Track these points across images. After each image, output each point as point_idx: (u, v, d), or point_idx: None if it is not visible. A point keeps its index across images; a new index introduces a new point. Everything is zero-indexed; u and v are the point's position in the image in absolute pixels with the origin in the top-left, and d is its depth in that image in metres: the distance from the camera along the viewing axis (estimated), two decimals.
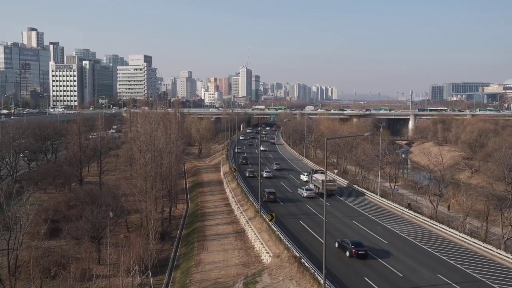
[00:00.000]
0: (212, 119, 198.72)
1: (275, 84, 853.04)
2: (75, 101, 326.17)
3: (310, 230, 54.12)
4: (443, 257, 44.57)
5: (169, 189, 74.10)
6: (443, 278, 38.99)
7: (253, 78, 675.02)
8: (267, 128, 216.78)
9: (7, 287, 44.89)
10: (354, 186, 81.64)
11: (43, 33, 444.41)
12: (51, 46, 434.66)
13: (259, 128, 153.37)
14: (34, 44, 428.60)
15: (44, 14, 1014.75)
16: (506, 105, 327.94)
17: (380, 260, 43.43)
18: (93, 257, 53.07)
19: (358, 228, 55.57)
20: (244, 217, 62.60)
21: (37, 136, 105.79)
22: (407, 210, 63.25)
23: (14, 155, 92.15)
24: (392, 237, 51.64)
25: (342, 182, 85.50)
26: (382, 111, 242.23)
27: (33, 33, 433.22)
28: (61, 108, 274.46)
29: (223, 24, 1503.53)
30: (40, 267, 46.33)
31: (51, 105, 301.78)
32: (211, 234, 61.30)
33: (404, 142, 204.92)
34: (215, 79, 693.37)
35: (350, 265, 42.30)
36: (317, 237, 50.50)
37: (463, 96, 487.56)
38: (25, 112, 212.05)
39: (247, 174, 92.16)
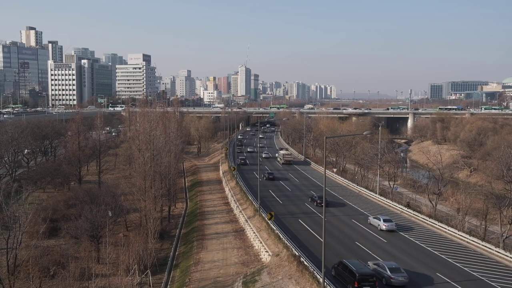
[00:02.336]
0: (211, 118, 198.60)
1: (274, 83, 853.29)
2: (74, 100, 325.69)
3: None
4: (442, 256, 44.64)
5: (168, 188, 74.04)
6: (442, 276, 39.04)
7: (252, 77, 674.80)
8: (266, 126, 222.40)
9: (6, 286, 44.89)
10: (307, 159, 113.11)
11: (41, 32, 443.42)
12: (50, 45, 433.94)
13: (264, 126, 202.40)
14: (32, 43, 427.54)
15: (43, 13, 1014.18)
16: (505, 103, 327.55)
17: (379, 259, 43.45)
18: (92, 256, 53.16)
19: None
20: (243, 216, 62.62)
21: (36, 135, 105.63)
22: (406, 208, 63.32)
23: (13, 154, 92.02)
24: (391, 236, 51.65)
25: (300, 157, 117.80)
26: (401, 110, 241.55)
27: (32, 32, 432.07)
28: (59, 106, 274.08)
29: (222, 23, 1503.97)
30: (39, 266, 46.31)
31: (50, 104, 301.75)
32: (210, 233, 61.30)
33: (403, 140, 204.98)
34: (214, 78, 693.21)
35: None
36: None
37: (462, 94, 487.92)
38: (15, 111, 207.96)
39: (237, 150, 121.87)
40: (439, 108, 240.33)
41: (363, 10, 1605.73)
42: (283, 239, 47.83)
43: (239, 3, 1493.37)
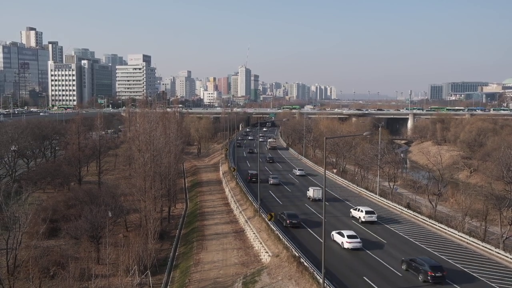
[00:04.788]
0: (211, 118, 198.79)
1: (274, 83, 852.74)
2: (74, 100, 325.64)
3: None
4: (442, 256, 44.59)
5: (168, 189, 74.06)
6: None
7: (252, 78, 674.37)
8: (267, 125, 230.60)
9: (6, 287, 44.86)
10: (288, 146, 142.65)
11: (42, 32, 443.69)
12: (50, 45, 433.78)
13: (272, 125, 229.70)
14: (33, 43, 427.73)
15: (43, 14, 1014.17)
16: (505, 104, 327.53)
17: (379, 259, 43.42)
18: (92, 256, 53.13)
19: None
20: (243, 217, 62.60)
21: (36, 135, 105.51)
22: (406, 209, 63.28)
23: (13, 155, 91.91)
24: (391, 236, 51.65)
25: (284, 144, 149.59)
26: (417, 111, 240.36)
27: (32, 33, 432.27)
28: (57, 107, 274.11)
29: (222, 23, 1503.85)
30: (39, 267, 46.28)
31: (50, 105, 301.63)
32: (210, 233, 61.29)
33: (403, 141, 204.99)
34: (214, 78, 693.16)
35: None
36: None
37: (462, 95, 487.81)
38: (5, 112, 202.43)
39: (239, 138, 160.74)
40: (447, 109, 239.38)
41: (362, 10, 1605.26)
42: (283, 239, 47.81)
43: (239, 3, 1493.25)
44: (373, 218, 56.63)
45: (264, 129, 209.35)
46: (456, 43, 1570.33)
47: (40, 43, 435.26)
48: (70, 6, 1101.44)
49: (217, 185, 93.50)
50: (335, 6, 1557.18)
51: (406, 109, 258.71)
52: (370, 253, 44.90)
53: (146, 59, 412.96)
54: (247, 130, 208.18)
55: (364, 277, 38.53)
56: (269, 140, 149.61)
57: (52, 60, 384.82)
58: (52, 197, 77.91)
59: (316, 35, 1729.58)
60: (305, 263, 40.69)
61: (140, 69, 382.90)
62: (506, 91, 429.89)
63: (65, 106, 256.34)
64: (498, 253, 45.14)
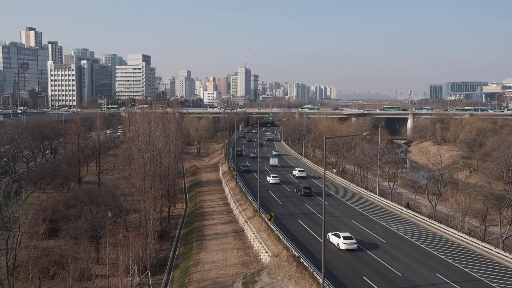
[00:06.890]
0: (211, 118, 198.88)
1: (273, 83, 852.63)
2: (73, 100, 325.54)
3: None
4: (442, 256, 44.63)
5: (168, 189, 74.05)
6: (442, 277, 39.05)
7: (252, 78, 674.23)
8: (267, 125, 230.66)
9: (6, 287, 44.85)
10: (282, 141, 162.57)
11: (41, 32, 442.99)
12: (50, 45, 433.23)
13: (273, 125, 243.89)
14: (32, 43, 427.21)
15: (42, 14, 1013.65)
16: (504, 104, 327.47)
17: (379, 259, 43.46)
18: (92, 256, 53.11)
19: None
20: (243, 217, 62.61)
21: (35, 135, 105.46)
22: (405, 209, 63.29)
23: (12, 155, 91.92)
24: (390, 236, 51.68)
25: (278, 137, 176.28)
26: (424, 111, 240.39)
27: (32, 33, 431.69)
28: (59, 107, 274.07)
29: (222, 23, 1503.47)
30: (38, 267, 46.30)
31: (50, 105, 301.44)
32: (210, 233, 61.28)
33: (402, 141, 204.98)
34: (214, 78, 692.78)
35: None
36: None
37: (462, 95, 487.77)
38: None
39: (245, 130, 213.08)
40: (456, 109, 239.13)
41: (362, 11, 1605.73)
42: (283, 239, 47.79)
43: (239, 3, 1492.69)
44: (303, 174, 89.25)
45: (268, 126, 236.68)
46: (456, 43, 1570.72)
47: (39, 43, 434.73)
48: (70, 6, 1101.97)
49: (216, 185, 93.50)
50: (335, 6, 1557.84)
51: (416, 108, 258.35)
52: (283, 185, 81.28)
53: (146, 59, 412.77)
54: (254, 125, 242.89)
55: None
56: (266, 133, 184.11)
57: (52, 60, 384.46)
58: (51, 197, 77.81)
59: (316, 35, 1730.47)
60: (305, 263, 40.69)
61: (139, 69, 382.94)
62: (506, 91, 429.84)
63: (110, 106, 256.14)
64: (498, 253, 45.16)
